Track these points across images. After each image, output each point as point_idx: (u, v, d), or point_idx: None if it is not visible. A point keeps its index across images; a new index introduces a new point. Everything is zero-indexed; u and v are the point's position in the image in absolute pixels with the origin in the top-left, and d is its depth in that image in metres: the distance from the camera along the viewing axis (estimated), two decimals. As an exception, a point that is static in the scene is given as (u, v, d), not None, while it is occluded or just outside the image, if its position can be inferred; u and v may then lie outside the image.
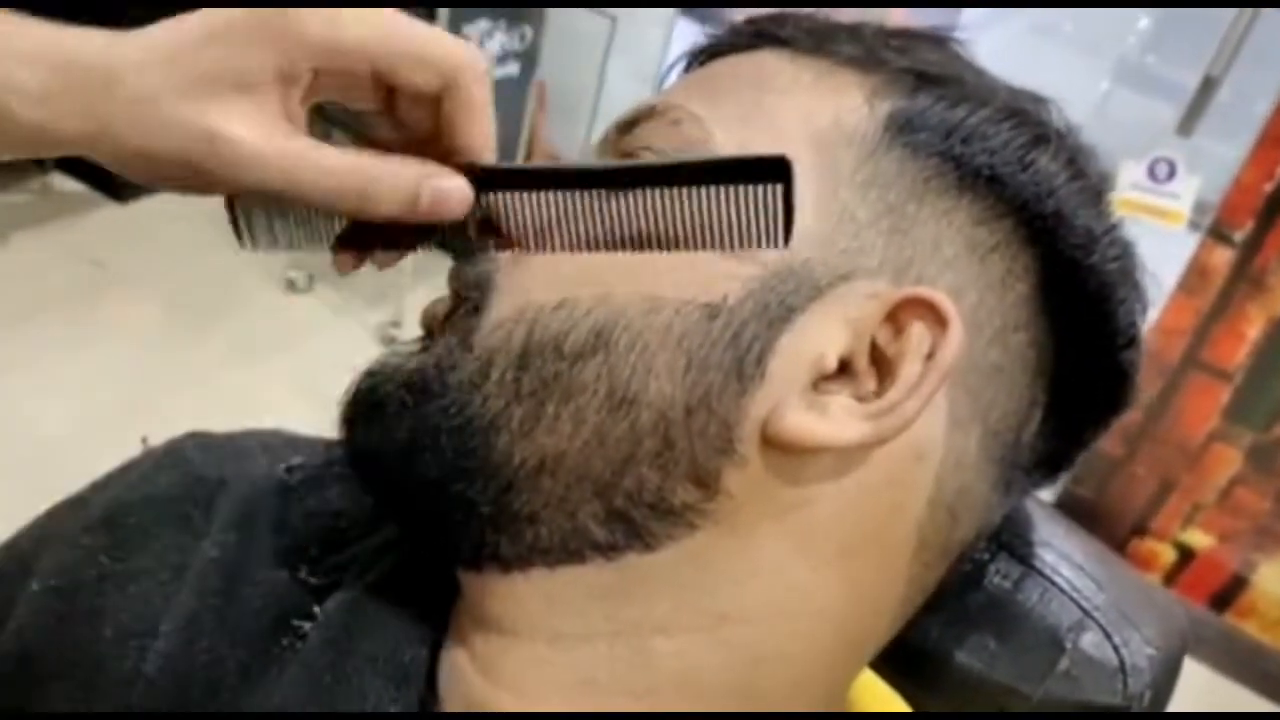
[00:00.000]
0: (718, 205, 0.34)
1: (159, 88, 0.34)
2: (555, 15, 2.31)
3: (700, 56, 0.44)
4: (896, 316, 0.35)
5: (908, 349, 0.35)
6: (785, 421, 0.34)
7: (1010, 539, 0.47)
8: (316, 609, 0.42)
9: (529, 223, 0.36)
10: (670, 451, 0.35)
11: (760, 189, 0.33)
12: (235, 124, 0.34)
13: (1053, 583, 0.46)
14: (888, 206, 0.37)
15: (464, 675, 0.39)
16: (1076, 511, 1.95)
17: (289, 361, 2.08)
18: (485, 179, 0.36)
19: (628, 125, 0.40)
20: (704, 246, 0.35)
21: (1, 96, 0.34)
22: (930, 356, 0.35)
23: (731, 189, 0.34)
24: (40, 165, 2.34)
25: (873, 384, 0.35)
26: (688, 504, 0.35)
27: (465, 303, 0.38)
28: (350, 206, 0.35)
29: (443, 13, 2.04)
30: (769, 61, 0.40)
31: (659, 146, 0.38)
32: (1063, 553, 0.47)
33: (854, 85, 0.39)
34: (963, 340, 0.35)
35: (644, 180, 0.35)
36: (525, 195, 0.36)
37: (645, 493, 0.35)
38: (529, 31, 2.25)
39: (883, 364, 0.36)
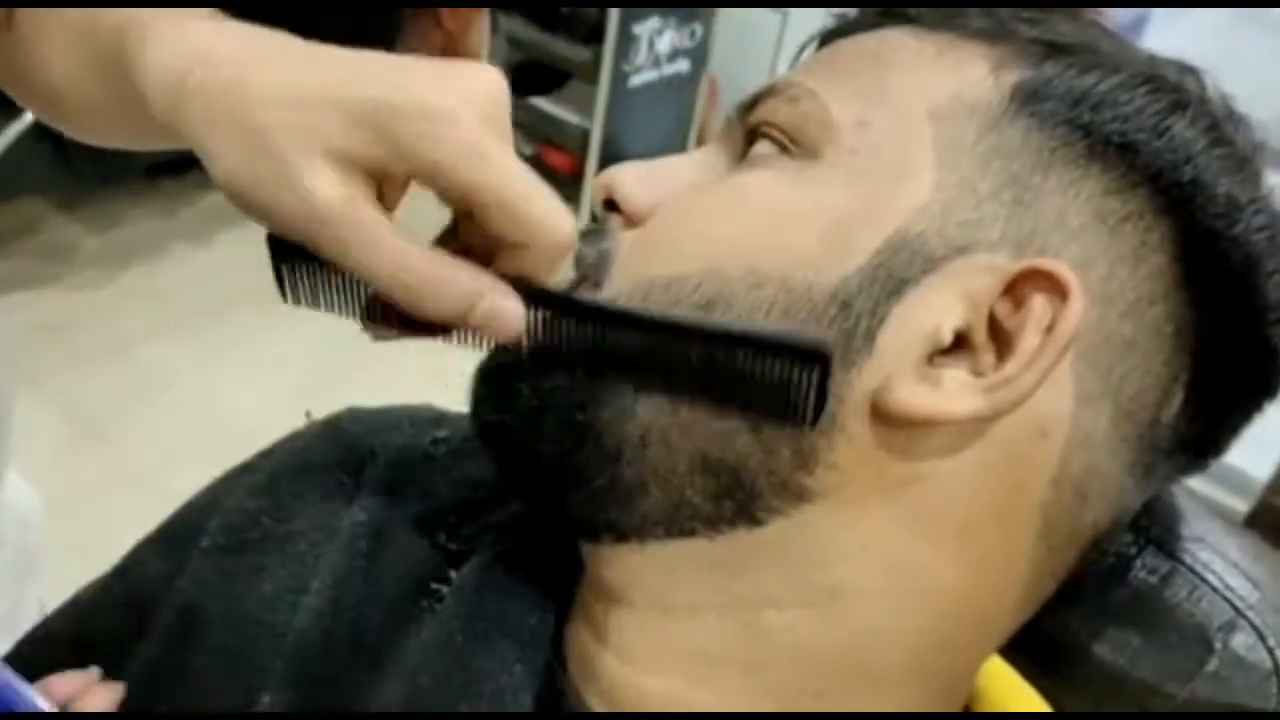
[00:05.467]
0: (755, 371, 0.34)
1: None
2: (725, 10, 2.31)
3: (831, 39, 0.44)
4: (1016, 289, 0.34)
5: (1028, 321, 0.34)
6: (895, 394, 0.34)
7: (1160, 534, 0.45)
8: (453, 574, 0.44)
9: (574, 343, 0.36)
10: (773, 425, 0.35)
11: (798, 370, 0.33)
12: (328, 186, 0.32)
13: (1203, 579, 0.44)
14: (1010, 178, 0.36)
15: (582, 640, 0.40)
16: (1275, 524, 1.81)
17: (464, 352, 2.16)
18: (540, 298, 0.35)
19: (749, 105, 0.40)
20: (733, 405, 0.35)
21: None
22: (1051, 329, 0.34)
23: (770, 360, 0.33)
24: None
25: (991, 358, 0.35)
26: (793, 478, 0.35)
27: (585, 281, 0.39)
28: (402, 299, 0.33)
29: (613, 12, 2.08)
30: (892, 38, 0.40)
31: (776, 122, 0.39)
32: (1217, 549, 0.45)
33: (979, 57, 0.38)
34: (1084, 312, 0.33)
35: (686, 334, 0.35)
36: (575, 323, 0.36)
37: (750, 466, 0.35)
38: (699, 29, 2.26)
39: (1002, 338, 0.35)
